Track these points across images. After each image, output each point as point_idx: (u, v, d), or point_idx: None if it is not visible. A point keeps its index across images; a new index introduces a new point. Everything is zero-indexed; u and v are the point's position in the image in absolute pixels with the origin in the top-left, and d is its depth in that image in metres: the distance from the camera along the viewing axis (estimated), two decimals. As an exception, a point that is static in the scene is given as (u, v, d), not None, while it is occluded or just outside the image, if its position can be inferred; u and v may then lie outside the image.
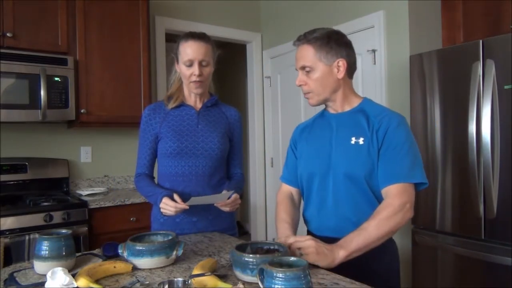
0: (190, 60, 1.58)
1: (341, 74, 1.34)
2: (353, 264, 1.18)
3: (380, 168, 1.29)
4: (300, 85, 1.39)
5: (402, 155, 1.27)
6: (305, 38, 1.36)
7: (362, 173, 1.29)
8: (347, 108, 1.40)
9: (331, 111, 1.44)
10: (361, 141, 1.31)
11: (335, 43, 1.34)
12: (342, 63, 1.34)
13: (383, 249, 1.27)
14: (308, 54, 1.34)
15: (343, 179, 1.32)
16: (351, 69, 1.38)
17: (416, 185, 1.29)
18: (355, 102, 1.40)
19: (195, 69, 1.58)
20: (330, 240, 1.26)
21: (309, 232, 1.45)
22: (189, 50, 1.58)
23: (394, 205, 1.23)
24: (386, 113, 1.34)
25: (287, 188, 1.55)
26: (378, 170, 1.29)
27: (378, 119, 1.31)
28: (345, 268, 1.14)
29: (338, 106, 1.40)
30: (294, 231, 1.40)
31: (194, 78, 1.59)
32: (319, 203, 1.38)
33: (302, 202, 1.53)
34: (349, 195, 1.31)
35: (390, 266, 1.35)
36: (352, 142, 1.32)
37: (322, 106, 1.48)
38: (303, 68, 1.36)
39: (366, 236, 1.19)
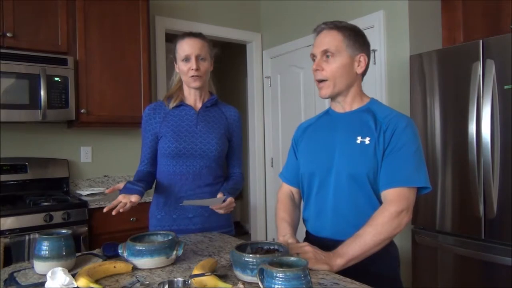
0: (187, 55, 1.62)
1: (360, 69, 1.35)
2: (354, 268, 1.17)
3: (382, 170, 1.25)
4: (316, 70, 1.34)
5: (406, 158, 1.23)
6: (333, 24, 1.34)
7: (366, 174, 1.25)
8: (355, 107, 1.37)
9: (338, 109, 1.40)
10: (367, 140, 1.27)
11: (362, 38, 1.36)
12: (363, 59, 1.35)
13: (384, 253, 1.25)
14: (335, 39, 1.32)
15: (346, 180, 1.28)
16: (367, 68, 1.39)
17: (419, 189, 1.26)
18: (364, 102, 1.38)
19: (192, 63, 1.61)
20: (328, 242, 1.26)
21: (307, 232, 1.44)
22: (185, 46, 1.63)
23: (391, 211, 1.20)
24: (394, 114, 1.31)
25: (287, 188, 1.54)
26: (380, 172, 1.26)
27: (386, 121, 1.28)
28: (346, 272, 1.13)
29: (347, 104, 1.37)
30: (294, 231, 1.39)
31: (192, 73, 1.62)
32: (319, 203, 1.36)
33: (302, 201, 1.52)
34: (350, 196, 1.28)
35: (391, 270, 1.32)
36: (358, 141, 1.28)
37: (323, 106, 1.46)
38: (324, 52, 1.32)
39: (362, 243, 1.18)
